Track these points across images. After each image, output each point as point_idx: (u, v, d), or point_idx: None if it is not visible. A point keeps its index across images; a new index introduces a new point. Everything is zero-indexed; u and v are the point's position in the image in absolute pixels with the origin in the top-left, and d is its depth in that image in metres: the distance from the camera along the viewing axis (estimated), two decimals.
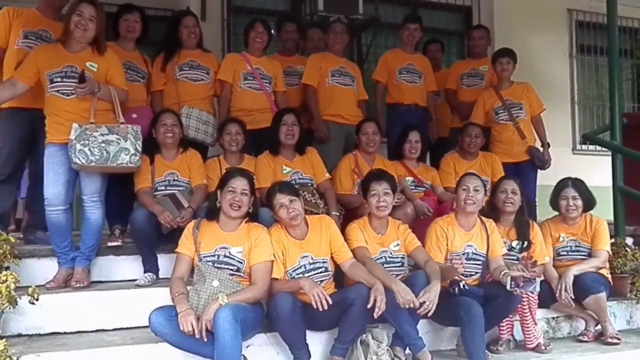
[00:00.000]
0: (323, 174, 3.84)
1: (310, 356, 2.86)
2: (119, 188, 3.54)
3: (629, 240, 4.22)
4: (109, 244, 3.50)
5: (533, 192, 4.44)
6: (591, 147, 6.53)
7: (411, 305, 2.76)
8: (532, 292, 3.02)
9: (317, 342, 2.98)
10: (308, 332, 2.87)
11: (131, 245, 3.48)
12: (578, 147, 6.88)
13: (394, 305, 2.76)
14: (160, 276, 3.36)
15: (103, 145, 3.13)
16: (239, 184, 2.89)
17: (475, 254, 3.26)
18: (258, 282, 2.83)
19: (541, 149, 4.54)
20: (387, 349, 2.85)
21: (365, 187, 3.22)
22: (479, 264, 3.27)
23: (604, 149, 5.36)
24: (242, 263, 2.86)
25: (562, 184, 3.68)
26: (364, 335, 2.87)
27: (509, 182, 3.49)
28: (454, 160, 4.28)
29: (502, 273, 3.02)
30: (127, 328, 3.04)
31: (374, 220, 3.19)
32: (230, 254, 2.85)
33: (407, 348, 2.94)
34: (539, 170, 4.54)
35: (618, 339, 3.36)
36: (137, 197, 3.48)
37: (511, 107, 4.52)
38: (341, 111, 4.37)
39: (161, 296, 3.02)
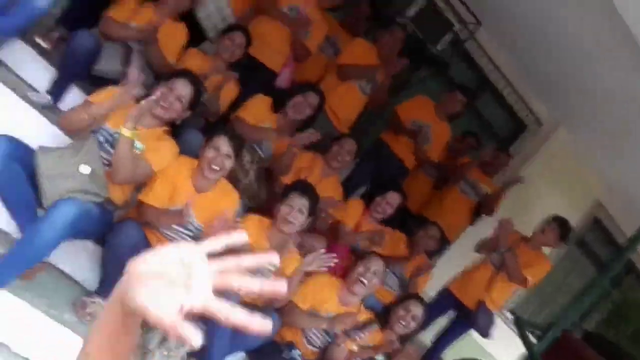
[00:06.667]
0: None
1: None
2: None
3: None
4: (38, 39, 2.98)
5: (448, 345, 4.04)
6: None
7: None
8: None
9: None
10: None
11: (59, 57, 2.94)
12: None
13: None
14: (57, 105, 2.84)
15: None
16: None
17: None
18: None
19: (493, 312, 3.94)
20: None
21: (286, 192, 2.82)
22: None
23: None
24: None
25: None
26: None
27: (416, 306, 3.10)
28: None
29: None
30: None
31: (275, 229, 2.77)
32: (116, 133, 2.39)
33: None
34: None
35: None
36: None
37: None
38: (342, 114, 3.89)
39: (37, 124, 2.59)
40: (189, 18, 3.23)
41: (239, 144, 2.62)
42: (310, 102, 3.31)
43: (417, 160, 4.24)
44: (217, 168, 2.50)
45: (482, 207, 4.39)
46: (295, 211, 2.71)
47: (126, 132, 2.25)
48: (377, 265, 2.98)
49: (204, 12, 3.41)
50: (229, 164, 2.53)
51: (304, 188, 2.82)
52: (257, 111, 3.30)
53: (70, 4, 3.14)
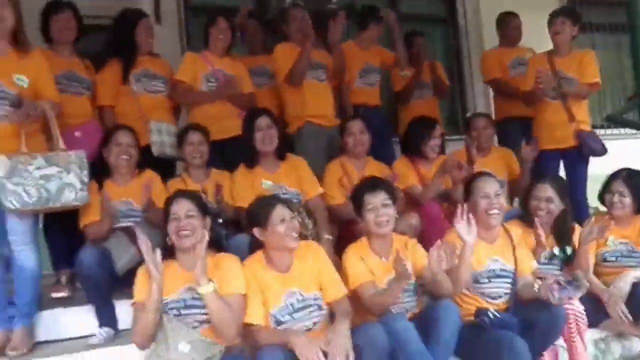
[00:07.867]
0: (315, 188, 3.21)
1: None
2: (65, 222, 2.90)
3: None
4: (54, 294, 2.88)
5: (582, 188, 3.74)
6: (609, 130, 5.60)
7: None
8: (573, 296, 2.46)
9: None
10: None
11: (82, 293, 2.82)
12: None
13: None
14: (120, 328, 2.73)
15: (41, 182, 2.50)
16: (180, 207, 2.33)
17: (503, 269, 2.68)
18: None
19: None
20: None
21: (357, 201, 2.60)
22: (508, 282, 2.68)
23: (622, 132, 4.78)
24: None
25: (613, 176, 3.15)
26: None
27: (542, 188, 2.92)
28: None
29: (538, 288, 2.48)
30: None
31: (375, 241, 2.59)
32: (199, 294, 2.24)
33: None
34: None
35: None
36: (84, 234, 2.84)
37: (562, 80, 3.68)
38: (322, 111, 3.75)
39: (122, 355, 2.49)
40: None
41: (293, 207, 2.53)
42: (266, 124, 3.15)
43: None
44: (295, 235, 2.35)
45: None
46: (380, 208, 2.52)
47: (206, 289, 2.18)
48: (490, 183, 2.71)
49: (168, 149, 3.34)
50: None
51: (371, 184, 2.62)
52: (243, 188, 3.12)
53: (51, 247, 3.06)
